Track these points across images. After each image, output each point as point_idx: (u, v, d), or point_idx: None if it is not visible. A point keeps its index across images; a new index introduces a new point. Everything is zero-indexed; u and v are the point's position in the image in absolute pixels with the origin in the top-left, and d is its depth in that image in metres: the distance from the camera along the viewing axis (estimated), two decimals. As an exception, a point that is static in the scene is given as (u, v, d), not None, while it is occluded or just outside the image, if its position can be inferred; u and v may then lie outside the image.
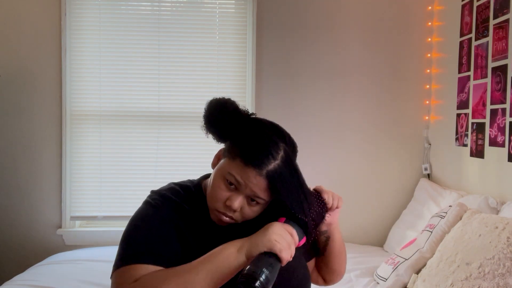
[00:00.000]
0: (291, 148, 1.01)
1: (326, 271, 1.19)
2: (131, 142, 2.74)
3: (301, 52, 2.76)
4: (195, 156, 2.73)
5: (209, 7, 2.75)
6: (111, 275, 0.97)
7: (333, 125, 2.78)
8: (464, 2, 2.44)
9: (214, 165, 1.05)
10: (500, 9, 2.09)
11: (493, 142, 2.11)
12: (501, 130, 2.04)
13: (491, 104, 2.14)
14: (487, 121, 2.17)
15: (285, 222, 0.96)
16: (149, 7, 2.75)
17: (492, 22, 2.16)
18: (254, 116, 1.04)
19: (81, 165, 2.73)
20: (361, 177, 2.80)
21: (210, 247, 0.96)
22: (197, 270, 0.90)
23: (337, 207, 1.08)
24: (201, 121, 1.03)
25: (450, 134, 2.54)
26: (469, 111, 2.35)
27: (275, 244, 0.90)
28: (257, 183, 0.95)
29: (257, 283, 0.83)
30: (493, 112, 2.12)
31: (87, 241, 2.69)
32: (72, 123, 2.71)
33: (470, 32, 2.36)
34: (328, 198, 1.05)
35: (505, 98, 2.03)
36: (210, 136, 1.03)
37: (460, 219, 1.83)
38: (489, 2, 2.19)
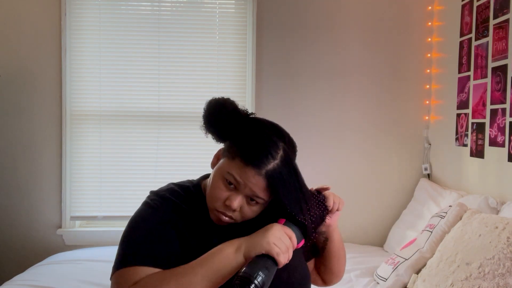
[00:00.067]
0: (291, 148, 1.01)
1: (325, 272, 1.19)
2: (131, 142, 2.74)
3: (301, 52, 2.76)
4: (195, 156, 2.73)
5: (209, 7, 2.75)
6: (111, 277, 0.97)
7: (333, 125, 2.78)
8: (464, 2, 2.44)
9: (213, 165, 1.05)
10: (500, 9, 2.09)
11: (493, 142, 2.11)
12: (501, 130, 2.04)
13: (491, 104, 2.14)
14: (487, 121, 2.17)
15: (285, 223, 0.97)
16: (149, 7, 2.75)
17: (492, 22, 2.16)
18: (253, 116, 1.04)
19: (81, 165, 2.73)
20: (361, 177, 2.80)
21: (209, 247, 0.96)
22: (195, 271, 0.90)
23: (337, 210, 1.08)
24: (200, 121, 1.03)
25: (450, 134, 2.54)
26: (469, 111, 2.35)
27: (273, 247, 0.90)
28: (256, 182, 0.95)
29: (252, 286, 0.84)
30: (493, 112, 2.12)
31: (87, 241, 2.69)
32: (72, 123, 2.71)
33: (470, 32, 2.36)
34: (329, 201, 1.06)
35: (505, 98, 2.03)
36: (210, 136, 1.03)
37: (460, 219, 1.83)
38: (489, 2, 2.19)
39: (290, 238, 0.94)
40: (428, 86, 2.80)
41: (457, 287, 1.47)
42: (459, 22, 2.48)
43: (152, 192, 1.08)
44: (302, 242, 0.99)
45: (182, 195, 1.06)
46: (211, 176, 1.03)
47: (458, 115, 2.46)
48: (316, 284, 1.24)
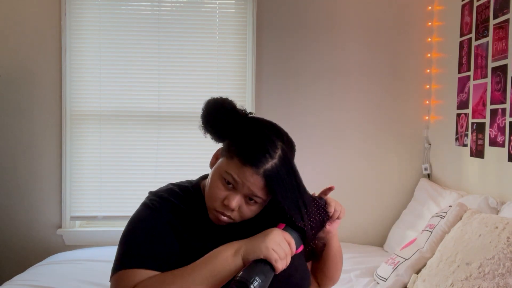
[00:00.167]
0: (289, 147, 1.01)
1: (320, 276, 1.19)
2: (131, 142, 2.74)
3: (301, 52, 2.76)
4: (195, 156, 2.73)
5: (209, 7, 2.75)
6: (110, 278, 0.97)
7: (333, 125, 2.78)
8: (464, 2, 2.44)
9: (212, 164, 1.05)
10: (500, 9, 2.09)
11: (493, 142, 2.11)
12: (501, 130, 2.04)
13: (491, 104, 2.14)
14: (487, 121, 2.17)
15: (284, 228, 0.97)
16: (149, 7, 2.75)
17: (492, 22, 2.16)
18: (252, 116, 1.04)
19: (81, 165, 2.73)
20: (361, 177, 2.80)
21: (209, 247, 0.96)
22: (194, 274, 0.91)
23: (338, 218, 1.08)
24: (199, 121, 1.02)
25: (450, 134, 2.54)
26: (469, 111, 2.35)
27: (272, 253, 0.90)
28: (255, 182, 0.95)
29: None
30: (493, 112, 2.12)
31: (87, 241, 2.69)
32: (72, 123, 2.71)
33: (470, 32, 2.36)
34: (330, 207, 1.06)
35: (505, 98, 2.03)
36: (208, 136, 1.03)
37: (460, 219, 1.83)
38: (489, 2, 2.18)
39: (289, 244, 0.94)
40: (428, 86, 2.80)
41: (457, 287, 1.47)
42: (459, 22, 2.48)
43: (151, 193, 1.08)
44: (301, 248, 0.99)
45: (181, 195, 1.06)
46: (209, 176, 1.03)
47: (458, 115, 2.46)
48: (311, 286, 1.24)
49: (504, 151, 2.02)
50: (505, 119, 2.02)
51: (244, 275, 0.86)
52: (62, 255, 2.42)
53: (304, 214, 0.97)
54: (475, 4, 2.31)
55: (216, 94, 1.04)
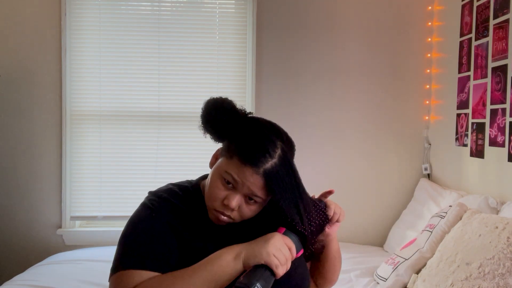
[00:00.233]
0: (289, 146, 1.01)
1: (318, 277, 1.19)
2: (131, 142, 2.74)
3: (301, 52, 2.76)
4: (195, 156, 2.73)
5: (209, 7, 2.75)
6: (109, 278, 0.97)
7: (333, 125, 2.78)
8: (464, 2, 2.44)
9: (212, 164, 1.05)
10: (500, 9, 2.09)
11: (493, 142, 2.11)
12: (501, 130, 2.04)
13: (491, 104, 2.14)
14: (487, 121, 2.17)
15: (285, 233, 0.96)
16: (149, 7, 2.75)
17: (492, 22, 2.16)
18: (251, 115, 1.04)
19: (81, 165, 2.73)
20: (361, 177, 2.80)
21: (209, 247, 0.96)
22: (194, 277, 0.91)
23: (337, 221, 1.08)
24: (199, 121, 1.02)
25: (450, 134, 2.54)
26: (469, 111, 2.34)
27: (273, 259, 0.90)
28: (254, 181, 0.95)
29: None
30: (493, 112, 2.12)
31: (87, 241, 2.69)
32: (72, 123, 2.71)
33: (470, 32, 2.36)
34: (330, 210, 1.06)
35: (505, 98, 2.03)
36: (208, 136, 1.03)
37: (460, 219, 1.83)
38: (489, 2, 2.18)
39: (289, 250, 0.94)
40: (428, 86, 2.80)
41: (457, 287, 1.46)
42: (459, 22, 2.48)
43: (150, 193, 1.08)
44: (301, 252, 0.99)
45: (180, 195, 1.06)
46: (209, 176, 1.03)
47: (458, 115, 2.46)
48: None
49: (504, 151, 2.02)
50: (505, 119, 2.02)
51: (245, 281, 0.86)
52: (62, 255, 2.42)
53: (304, 215, 0.96)
54: (475, 4, 2.31)
55: (216, 94, 1.04)
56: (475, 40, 2.31)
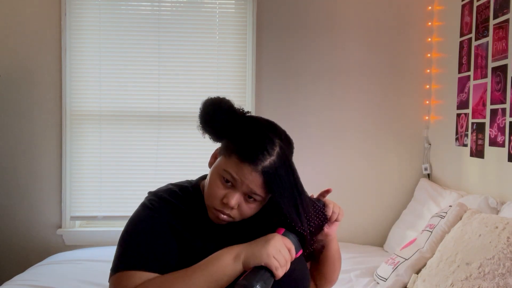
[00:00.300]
0: (287, 144, 1.01)
1: (318, 277, 1.19)
2: (131, 142, 2.74)
3: (301, 52, 2.76)
4: (195, 156, 2.73)
5: (209, 7, 2.75)
6: (109, 279, 0.97)
7: (333, 125, 2.78)
8: (464, 2, 2.44)
9: (211, 164, 1.05)
10: (500, 9, 2.09)
11: (493, 142, 2.11)
12: (501, 130, 2.04)
13: (491, 104, 2.14)
14: (487, 121, 2.17)
15: (284, 233, 0.97)
16: (149, 7, 2.75)
17: (492, 22, 2.16)
18: (249, 115, 1.04)
19: (81, 165, 2.73)
20: (361, 177, 2.80)
21: (210, 247, 0.96)
22: (193, 278, 0.91)
23: (336, 220, 1.08)
24: (197, 121, 1.03)
25: (450, 134, 2.54)
26: (469, 111, 2.34)
27: (273, 261, 0.91)
28: (253, 179, 0.95)
29: None
30: (493, 112, 2.12)
31: (87, 241, 2.69)
32: (72, 123, 2.71)
33: (470, 32, 2.36)
34: (329, 210, 1.06)
35: (505, 98, 2.03)
36: (207, 136, 1.03)
37: (460, 219, 1.83)
38: (489, 2, 2.18)
39: (289, 251, 0.94)
40: (428, 86, 2.80)
41: (457, 287, 1.46)
42: (459, 22, 2.48)
43: (150, 193, 1.08)
44: (300, 252, 0.99)
45: (180, 195, 1.06)
46: (208, 175, 1.03)
47: (458, 115, 2.46)
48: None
49: (504, 151, 2.02)
50: (505, 119, 2.02)
51: (245, 282, 0.87)
52: (62, 255, 2.42)
53: (303, 215, 0.96)
54: (475, 4, 2.31)
55: (216, 94, 1.04)
56: (475, 40, 2.31)
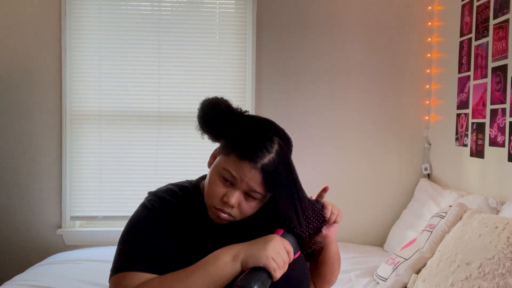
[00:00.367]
0: (286, 143, 1.01)
1: (317, 278, 1.19)
2: (131, 142, 2.74)
3: (301, 52, 2.76)
4: (195, 156, 2.73)
5: (209, 7, 2.75)
6: (109, 280, 0.97)
7: (333, 125, 2.78)
8: (464, 2, 2.44)
9: (210, 164, 1.05)
10: (500, 9, 2.09)
11: (493, 142, 2.11)
12: (501, 130, 2.04)
13: (491, 104, 2.14)
14: (487, 121, 2.17)
15: (283, 235, 0.97)
16: (149, 7, 2.75)
17: (492, 22, 2.16)
18: (247, 114, 1.05)
19: (81, 165, 2.73)
20: (361, 177, 2.80)
21: (210, 247, 0.96)
22: (192, 278, 0.91)
23: (335, 222, 1.07)
24: (196, 122, 1.03)
25: (450, 134, 2.54)
26: (469, 111, 2.34)
27: (271, 263, 0.91)
28: (253, 177, 0.95)
29: None
30: (493, 112, 2.12)
31: (87, 241, 2.69)
32: (72, 123, 2.71)
33: (470, 32, 2.36)
34: (327, 211, 1.06)
35: (505, 98, 2.03)
36: (206, 136, 1.04)
37: (460, 219, 1.83)
38: (489, 2, 2.18)
39: (288, 253, 0.94)
40: (428, 86, 2.80)
41: (457, 287, 1.46)
42: (459, 22, 2.48)
43: (150, 193, 1.08)
44: (298, 254, 0.99)
45: (180, 195, 1.06)
46: (208, 175, 1.03)
47: (458, 115, 2.46)
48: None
49: (504, 151, 2.02)
50: (505, 119, 2.02)
51: (243, 283, 0.87)
52: (62, 255, 2.42)
53: (301, 215, 0.97)
54: (475, 4, 2.31)
55: (216, 94, 1.05)
56: (475, 40, 2.31)
